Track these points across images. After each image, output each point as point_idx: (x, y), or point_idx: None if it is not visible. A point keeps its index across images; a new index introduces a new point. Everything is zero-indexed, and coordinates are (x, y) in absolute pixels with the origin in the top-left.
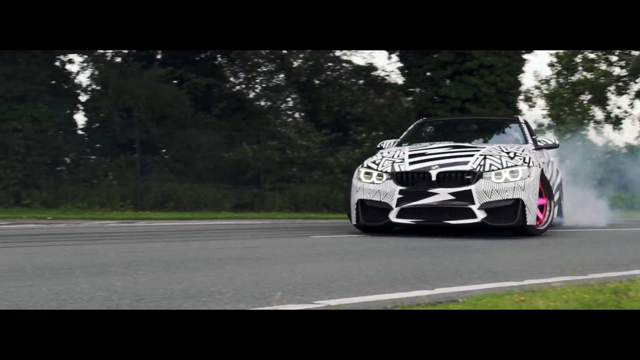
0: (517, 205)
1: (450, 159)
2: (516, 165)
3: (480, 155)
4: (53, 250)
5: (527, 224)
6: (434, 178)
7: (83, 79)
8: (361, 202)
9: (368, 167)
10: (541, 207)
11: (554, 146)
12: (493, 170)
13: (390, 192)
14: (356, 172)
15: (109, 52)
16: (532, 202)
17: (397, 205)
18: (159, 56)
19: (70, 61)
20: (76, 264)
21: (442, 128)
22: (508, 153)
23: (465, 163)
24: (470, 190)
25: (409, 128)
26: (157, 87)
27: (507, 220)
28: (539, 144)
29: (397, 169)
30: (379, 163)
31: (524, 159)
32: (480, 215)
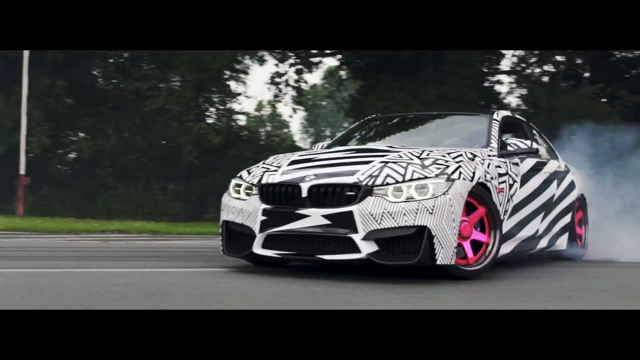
0: (421, 236)
1: (337, 168)
2: (426, 178)
3: (381, 162)
4: None
5: (438, 262)
6: (304, 194)
7: (512, 99)
8: (226, 225)
9: (240, 177)
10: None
11: (528, 152)
12: (390, 184)
13: (254, 211)
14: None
15: (537, 71)
16: (445, 230)
17: (261, 231)
18: (587, 74)
19: (499, 82)
20: None
21: (391, 126)
22: (423, 159)
23: (352, 173)
24: (351, 212)
25: (351, 126)
26: (586, 105)
27: (405, 257)
28: (509, 148)
29: (264, 180)
30: (252, 172)
31: (445, 168)
32: (366, 248)
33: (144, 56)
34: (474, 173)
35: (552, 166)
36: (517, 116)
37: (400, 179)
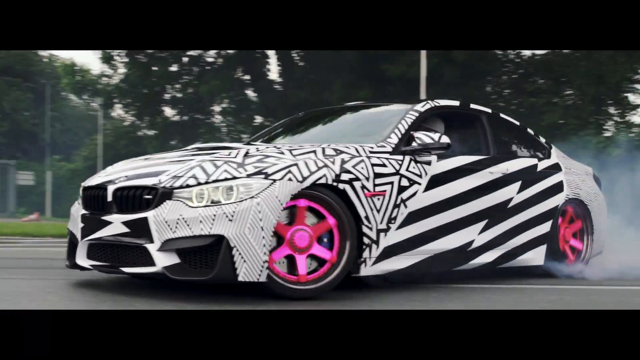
0: (219, 247)
1: (150, 168)
2: (234, 178)
3: (198, 161)
4: None
5: (239, 279)
6: (109, 197)
7: None
8: (70, 233)
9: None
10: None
11: (435, 147)
12: (191, 185)
13: (76, 218)
14: None
15: None
16: (249, 241)
17: (82, 238)
18: None
19: None
20: None
21: (308, 121)
22: (250, 156)
23: (158, 174)
24: (146, 219)
25: (280, 122)
26: None
27: (200, 272)
28: (414, 143)
29: (85, 183)
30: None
31: (268, 167)
32: (163, 260)
33: (536, 71)
34: (310, 173)
35: (511, 165)
36: (477, 107)
37: (204, 179)
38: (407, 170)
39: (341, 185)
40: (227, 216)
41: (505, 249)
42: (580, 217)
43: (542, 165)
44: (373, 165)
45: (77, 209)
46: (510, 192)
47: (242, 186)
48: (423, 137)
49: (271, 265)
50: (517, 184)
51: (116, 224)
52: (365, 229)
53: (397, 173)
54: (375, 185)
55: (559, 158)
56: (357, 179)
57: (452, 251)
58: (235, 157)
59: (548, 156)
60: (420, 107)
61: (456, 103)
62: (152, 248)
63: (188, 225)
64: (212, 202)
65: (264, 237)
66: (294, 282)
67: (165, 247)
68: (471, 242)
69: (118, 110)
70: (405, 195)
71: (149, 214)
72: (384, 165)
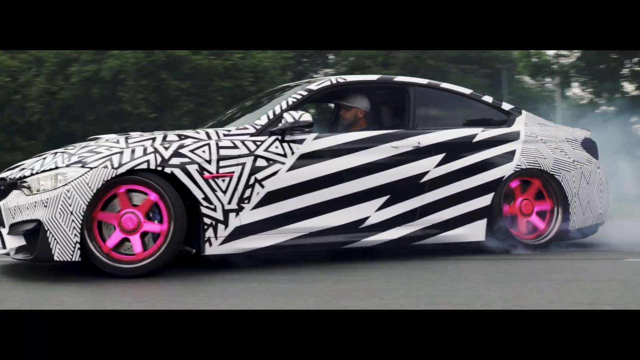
0: (38, 230)
1: (39, 159)
2: (57, 168)
3: (52, 153)
4: None
5: (55, 258)
6: None
7: None
8: None
9: None
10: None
11: (301, 126)
12: (26, 176)
13: None
14: None
15: None
16: (60, 224)
17: None
18: None
19: None
20: None
21: (255, 103)
22: (88, 148)
23: (18, 167)
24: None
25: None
26: None
27: (26, 253)
28: (281, 123)
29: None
30: None
31: (85, 158)
32: (12, 242)
33: None
34: (130, 160)
35: (428, 138)
36: (406, 80)
37: (38, 170)
38: (265, 150)
39: (168, 169)
40: (43, 202)
41: (423, 224)
42: (545, 189)
43: (486, 135)
44: (220, 147)
45: None
46: (425, 166)
47: (61, 175)
48: (287, 116)
49: (108, 251)
50: (437, 157)
51: None
52: (205, 210)
53: (250, 154)
54: (219, 167)
55: (526, 126)
56: (193, 162)
57: (336, 229)
58: (76, 149)
59: (507, 124)
60: (315, 85)
61: (373, 77)
62: (4, 232)
63: (21, 211)
64: (38, 190)
65: (73, 221)
66: (130, 262)
67: (11, 231)
68: (364, 219)
69: (575, 89)
70: (260, 175)
71: (1, 203)
72: (234, 147)
